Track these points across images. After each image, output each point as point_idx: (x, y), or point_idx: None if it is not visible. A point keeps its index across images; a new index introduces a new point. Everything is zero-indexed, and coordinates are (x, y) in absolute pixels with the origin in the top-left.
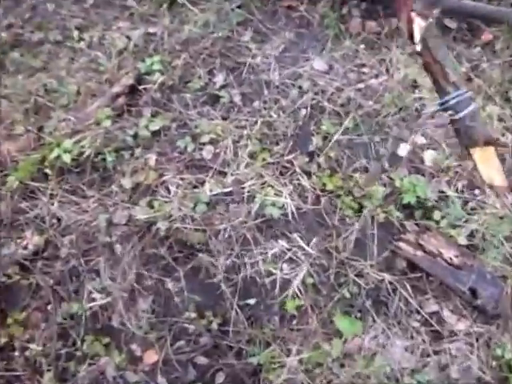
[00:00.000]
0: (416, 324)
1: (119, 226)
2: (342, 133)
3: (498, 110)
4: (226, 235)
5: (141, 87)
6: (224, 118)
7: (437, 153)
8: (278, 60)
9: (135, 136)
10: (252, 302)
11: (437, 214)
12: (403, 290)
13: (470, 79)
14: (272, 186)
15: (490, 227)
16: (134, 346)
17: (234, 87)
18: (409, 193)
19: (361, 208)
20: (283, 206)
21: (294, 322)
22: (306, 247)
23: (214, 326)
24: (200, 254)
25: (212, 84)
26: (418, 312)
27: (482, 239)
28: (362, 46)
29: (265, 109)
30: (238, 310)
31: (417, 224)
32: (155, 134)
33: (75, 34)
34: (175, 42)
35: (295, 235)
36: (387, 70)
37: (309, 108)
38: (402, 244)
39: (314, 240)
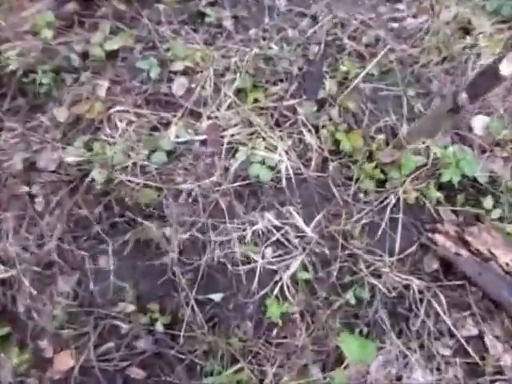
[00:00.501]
0: (446, 351)
1: (44, 173)
2: (365, 79)
3: None
4: (190, 199)
5: None
6: (207, 44)
7: (491, 120)
8: None
9: (84, 55)
10: (217, 297)
11: (488, 202)
12: (434, 301)
13: None
14: (264, 139)
15: None
16: (43, 344)
17: (225, 8)
18: (450, 168)
19: (384, 182)
20: (276, 166)
21: (275, 332)
22: (304, 227)
23: (159, 326)
24: (148, 222)
25: (197, 0)
26: (452, 334)
27: None
28: None
29: (264, 39)
30: (196, 308)
31: (455, 212)
32: (111, 55)
33: None
34: None
35: (290, 209)
36: (432, 7)
37: (323, 44)
38: (438, 237)
39: (315, 220)
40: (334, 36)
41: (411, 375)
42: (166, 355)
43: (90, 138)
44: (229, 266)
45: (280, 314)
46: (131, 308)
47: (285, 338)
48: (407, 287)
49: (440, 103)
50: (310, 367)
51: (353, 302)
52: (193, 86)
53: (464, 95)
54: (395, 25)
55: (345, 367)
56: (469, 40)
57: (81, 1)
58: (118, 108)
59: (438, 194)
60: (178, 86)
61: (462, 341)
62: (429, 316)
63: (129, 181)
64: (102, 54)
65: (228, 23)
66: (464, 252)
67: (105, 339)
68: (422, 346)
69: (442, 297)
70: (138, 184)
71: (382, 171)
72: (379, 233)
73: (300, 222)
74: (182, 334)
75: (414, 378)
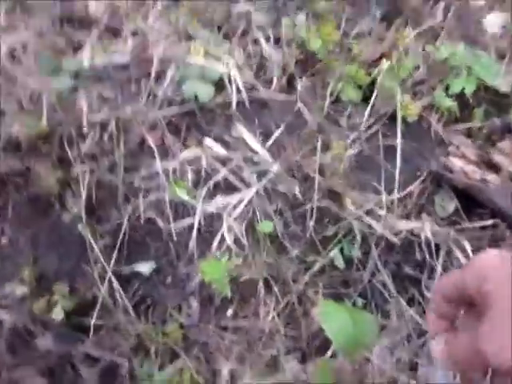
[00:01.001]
0: None
1: None
2: None
3: None
4: (105, 137)
5: None
6: None
7: (507, 16)
8: None
9: None
10: (146, 268)
11: None
12: (457, 251)
13: None
14: (207, 53)
15: None
16: None
17: None
18: (461, 76)
19: (370, 95)
20: (221, 81)
21: (230, 311)
22: (263, 155)
23: (58, 313)
24: (45, 166)
25: None
26: None
27: None
28: None
29: None
30: (117, 285)
31: (469, 134)
32: None
33: None
34: None
35: (244, 132)
36: None
37: None
38: (454, 161)
39: (281, 157)
40: None
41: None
42: (75, 356)
43: None
44: (160, 224)
45: (230, 281)
46: (22, 290)
47: (245, 319)
48: (413, 235)
49: None
50: (281, 359)
51: (340, 263)
52: (117, 4)
53: None
54: None
55: (332, 355)
56: None
57: None
58: (11, 29)
59: (450, 103)
60: (97, 5)
61: None
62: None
63: (15, 111)
64: None
65: None
66: (493, 177)
67: None
68: None
69: (466, 243)
70: (28, 114)
71: (371, 78)
72: (370, 166)
73: (257, 148)
74: (92, 322)
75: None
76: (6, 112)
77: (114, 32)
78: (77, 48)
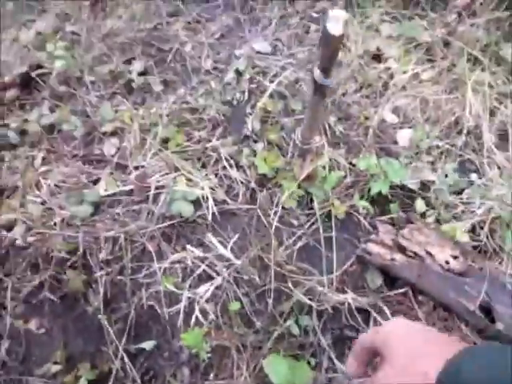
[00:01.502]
0: None
1: None
2: (288, 114)
3: (487, 75)
4: (116, 247)
5: (38, 76)
6: (137, 104)
7: (414, 131)
8: (212, 47)
9: (23, 132)
10: (149, 345)
11: (420, 205)
12: (380, 316)
13: (448, 43)
14: (189, 180)
15: (501, 216)
16: None
17: (154, 75)
18: (378, 181)
19: (311, 201)
20: (199, 200)
21: (212, 375)
22: (227, 253)
23: (83, 383)
24: (74, 274)
25: (127, 73)
26: None
27: (489, 235)
28: (313, 26)
29: (191, 95)
30: (127, 360)
31: (392, 223)
32: (48, 130)
33: None
34: (94, 37)
35: (211, 239)
36: (343, 45)
37: (246, 92)
38: (371, 246)
39: (245, 249)
40: (257, 83)
41: None
42: None
43: (20, 203)
44: (158, 310)
45: (209, 348)
46: (56, 368)
47: (223, 380)
48: (345, 305)
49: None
50: None
51: (295, 331)
52: (124, 144)
53: (317, 71)
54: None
55: None
56: (382, 65)
57: (21, 87)
58: (47, 172)
59: (364, 203)
60: (109, 145)
61: None
62: None
63: (52, 235)
64: (38, 128)
65: (157, 87)
66: (399, 257)
67: None
68: None
69: (387, 310)
70: (61, 237)
71: (306, 191)
72: (313, 254)
73: (222, 249)
74: None
75: None
76: (47, 234)
77: (122, 167)
78: (95, 181)
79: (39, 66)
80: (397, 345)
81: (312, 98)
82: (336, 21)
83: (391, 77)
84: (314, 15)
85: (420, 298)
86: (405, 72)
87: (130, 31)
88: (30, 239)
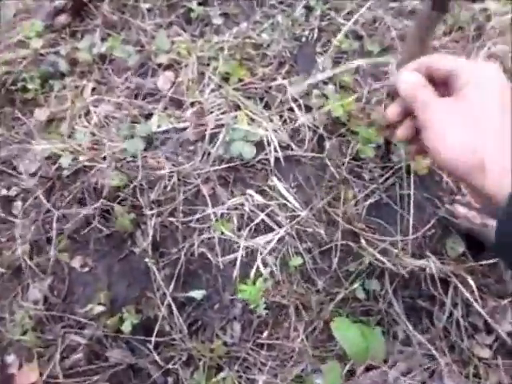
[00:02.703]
0: (485, 352)
1: (23, 176)
2: (363, 55)
3: None
4: (169, 187)
5: (90, 2)
6: (194, 37)
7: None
8: None
9: (73, 61)
10: (198, 295)
11: None
12: (462, 287)
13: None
14: (251, 119)
15: None
16: (9, 358)
17: (215, 6)
18: None
19: (388, 153)
20: (261, 142)
21: (266, 333)
22: (294, 202)
23: (127, 326)
24: (123, 210)
25: (186, 1)
26: (489, 329)
27: None
28: None
29: (254, 30)
30: (174, 309)
31: None
32: (100, 59)
33: None
34: None
35: (277, 184)
36: None
37: (316, 29)
38: (458, 208)
39: (310, 205)
40: (329, 21)
41: None
42: (140, 366)
43: (68, 132)
44: (211, 258)
45: (265, 304)
46: (99, 309)
47: (278, 339)
48: (424, 273)
49: (421, 9)
50: (310, 377)
51: (361, 295)
52: (180, 78)
53: None
54: (394, 4)
55: (351, 373)
56: (477, 6)
57: (74, 13)
58: (97, 103)
59: None
60: (164, 79)
61: (505, 336)
62: (457, 306)
63: (100, 167)
64: (89, 57)
65: (217, 20)
66: (491, 221)
67: (74, 349)
68: (452, 347)
69: (471, 281)
70: (110, 169)
71: (385, 141)
72: (387, 212)
73: (289, 197)
74: (153, 339)
75: None
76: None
77: (177, 103)
78: (148, 116)
79: None
80: (483, 87)
81: (428, 13)
82: None
83: (488, 19)
84: None
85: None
86: (505, 14)
87: None
88: (78, 171)
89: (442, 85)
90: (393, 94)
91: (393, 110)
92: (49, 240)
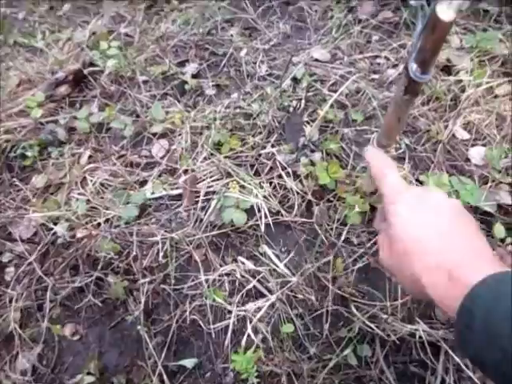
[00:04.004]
0: None
1: (18, 242)
2: (348, 125)
3: None
4: (161, 253)
5: (89, 74)
6: (188, 107)
7: (488, 149)
8: (267, 53)
9: (71, 129)
10: (190, 363)
11: (499, 230)
12: (453, 354)
13: None
14: (242, 187)
15: None
16: None
17: (207, 78)
18: None
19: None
20: (252, 209)
21: None
22: (282, 268)
23: None
24: (115, 278)
25: (180, 74)
26: None
27: None
28: (376, 36)
29: (244, 100)
30: (165, 378)
31: None
32: (97, 128)
33: (39, 37)
34: (147, 39)
35: (267, 251)
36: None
37: (303, 100)
38: None
39: (300, 266)
40: (315, 91)
41: None
42: None
43: (64, 199)
44: (203, 325)
45: (257, 372)
46: (89, 380)
47: None
48: (414, 337)
49: (395, 92)
50: None
51: (353, 361)
52: (174, 146)
53: (413, 65)
54: (375, 76)
55: None
56: (452, 78)
57: (74, 85)
58: (93, 171)
59: None
60: (158, 147)
61: None
62: (449, 372)
63: (96, 235)
64: (86, 126)
65: (210, 91)
66: None
67: None
68: None
69: None
70: (108, 238)
71: (371, 206)
72: (378, 277)
73: (277, 262)
74: None
75: None
76: (90, 232)
77: (170, 170)
78: (142, 183)
79: (91, 64)
80: (401, 219)
81: (401, 97)
82: (448, 4)
83: (463, 90)
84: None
85: None
86: (478, 85)
87: (184, 35)
88: (73, 238)
89: None
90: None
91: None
92: (40, 308)
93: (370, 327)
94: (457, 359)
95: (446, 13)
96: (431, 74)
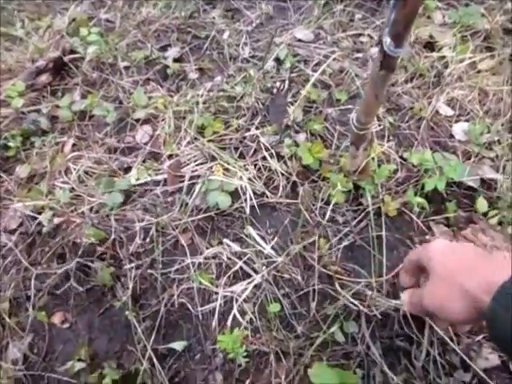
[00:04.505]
0: None
1: (4, 233)
2: (332, 105)
3: None
4: (147, 239)
5: (70, 61)
6: (171, 92)
7: (471, 124)
8: (250, 35)
9: (54, 118)
10: (179, 346)
11: (482, 204)
12: (437, 327)
13: (509, 31)
14: (226, 170)
15: None
16: None
17: (190, 62)
18: (433, 177)
19: (359, 196)
20: (236, 192)
21: (247, 382)
22: (268, 249)
23: (108, 382)
24: (102, 265)
25: (163, 59)
26: (466, 366)
27: None
28: (359, 14)
29: (227, 83)
30: (156, 361)
31: (447, 224)
32: (80, 116)
33: (18, 25)
34: (128, 24)
35: (251, 232)
36: None
37: (287, 80)
38: None
39: (286, 251)
40: (298, 72)
41: None
42: None
43: (48, 188)
44: (191, 308)
45: (245, 352)
46: (80, 366)
47: None
48: (399, 312)
49: (371, 69)
50: None
51: (340, 338)
52: (157, 132)
53: (387, 39)
54: (359, 54)
55: None
56: (435, 54)
57: (55, 73)
58: (77, 159)
59: (420, 200)
60: (142, 133)
61: (482, 373)
62: (433, 345)
63: (80, 223)
64: (69, 114)
65: (193, 75)
66: None
67: None
68: None
69: None
70: (90, 225)
71: (354, 185)
72: (361, 254)
73: (263, 244)
74: None
75: None
76: (75, 221)
77: (154, 156)
78: (127, 169)
79: (72, 51)
80: (438, 264)
81: (377, 73)
82: None
83: (446, 66)
84: None
85: None
86: (461, 61)
87: (165, 19)
88: (58, 227)
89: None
90: (355, 142)
91: (403, 277)
92: (28, 297)
93: (355, 304)
94: (441, 333)
95: None
96: (405, 48)
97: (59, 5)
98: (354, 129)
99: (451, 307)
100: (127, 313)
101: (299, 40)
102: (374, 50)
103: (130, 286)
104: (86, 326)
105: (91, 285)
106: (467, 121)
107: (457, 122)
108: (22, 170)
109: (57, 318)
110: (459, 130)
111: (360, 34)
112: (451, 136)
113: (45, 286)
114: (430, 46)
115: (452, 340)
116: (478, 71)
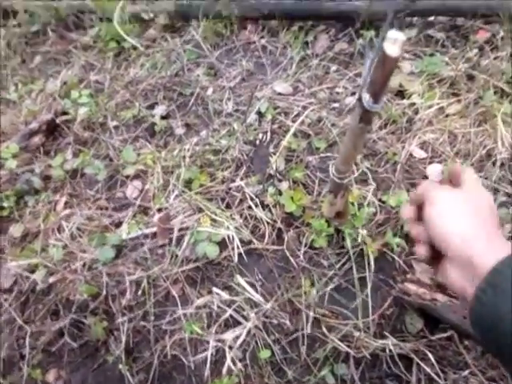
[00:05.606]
0: None
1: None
2: (312, 153)
3: None
4: (139, 292)
5: (62, 123)
6: (159, 147)
7: (444, 165)
8: (233, 90)
9: (47, 177)
10: None
11: None
12: (425, 365)
13: (472, 77)
14: (213, 220)
15: None
16: None
17: (176, 118)
18: None
19: (342, 240)
20: (224, 241)
21: None
22: (258, 297)
23: None
24: (95, 320)
25: (150, 116)
26: None
27: None
28: (334, 67)
29: (213, 137)
30: None
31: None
32: (72, 175)
33: (12, 89)
34: (117, 85)
35: (240, 281)
36: None
37: (269, 132)
38: (409, 286)
39: (274, 297)
40: (279, 123)
41: None
42: None
43: (41, 246)
44: (183, 359)
45: None
46: None
47: None
48: (391, 353)
49: (350, 121)
50: None
51: (331, 380)
52: (147, 187)
53: (366, 96)
54: (335, 104)
55: None
56: (407, 101)
57: (47, 134)
58: (70, 216)
59: (398, 241)
60: (132, 188)
61: None
62: (421, 382)
63: (73, 279)
64: (61, 173)
65: (180, 130)
66: (440, 297)
67: None
68: None
69: (431, 356)
70: (83, 281)
71: (336, 229)
72: (349, 296)
73: (251, 291)
74: None
75: None
76: (68, 278)
77: (144, 210)
78: (118, 224)
79: (64, 113)
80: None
81: (356, 126)
82: (393, 42)
83: (416, 112)
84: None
85: (467, 342)
86: (430, 107)
87: (152, 78)
88: (51, 284)
89: None
90: (333, 190)
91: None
92: (23, 356)
93: (346, 345)
94: (427, 369)
95: (392, 49)
96: (382, 103)
97: (51, 68)
98: (334, 178)
99: (448, 241)
100: (121, 367)
101: (279, 93)
102: (349, 100)
103: (123, 339)
104: (79, 383)
105: (85, 340)
106: (440, 162)
107: (430, 163)
108: (15, 230)
109: (51, 376)
110: (433, 170)
111: (335, 86)
112: (425, 177)
113: (39, 343)
114: (401, 93)
115: (439, 376)
116: (447, 115)
